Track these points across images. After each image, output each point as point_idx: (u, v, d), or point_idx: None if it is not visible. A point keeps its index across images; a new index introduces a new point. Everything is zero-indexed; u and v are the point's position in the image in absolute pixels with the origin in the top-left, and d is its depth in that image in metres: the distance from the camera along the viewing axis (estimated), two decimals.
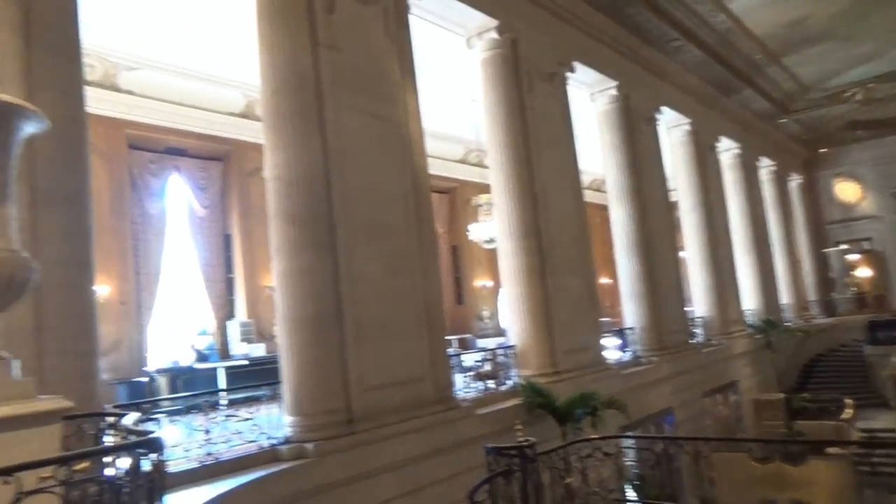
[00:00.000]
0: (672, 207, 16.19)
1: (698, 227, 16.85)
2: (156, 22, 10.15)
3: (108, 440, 3.87)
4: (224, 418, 6.08)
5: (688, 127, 17.07)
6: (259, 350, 12.71)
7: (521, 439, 4.51)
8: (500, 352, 9.97)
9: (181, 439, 5.66)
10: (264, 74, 7.06)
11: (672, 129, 16.94)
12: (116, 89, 11.60)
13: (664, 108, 15.88)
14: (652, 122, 15.30)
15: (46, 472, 2.55)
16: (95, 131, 5.59)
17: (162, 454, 3.06)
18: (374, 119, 7.75)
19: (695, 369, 14.26)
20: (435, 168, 9.30)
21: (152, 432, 3.31)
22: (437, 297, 8.30)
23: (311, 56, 7.12)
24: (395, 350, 7.32)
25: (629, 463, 8.06)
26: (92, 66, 10.38)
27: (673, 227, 16.06)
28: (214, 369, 11.28)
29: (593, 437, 6.20)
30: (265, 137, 7.05)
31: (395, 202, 7.82)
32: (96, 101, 9.48)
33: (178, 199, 13.42)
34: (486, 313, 19.72)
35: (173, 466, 5.12)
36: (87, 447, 3.70)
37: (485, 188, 13.16)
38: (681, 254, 16.46)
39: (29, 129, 3.31)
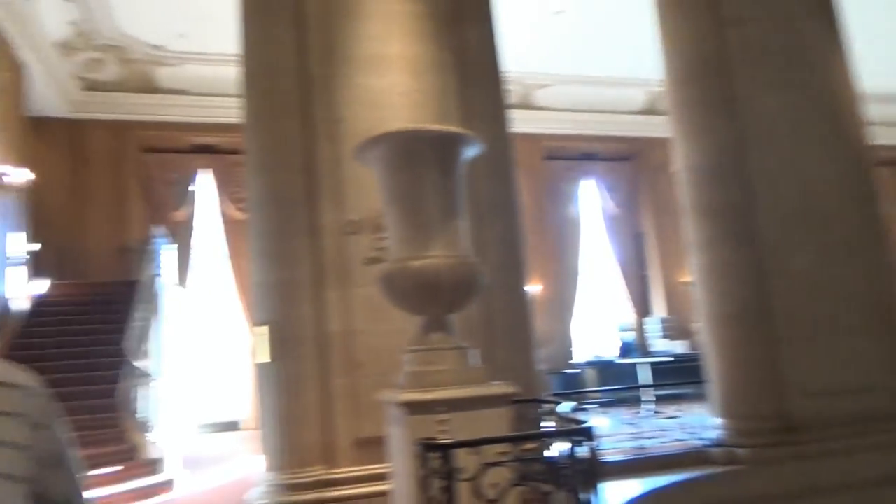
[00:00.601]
0: None
1: None
2: (558, 40, 10.92)
3: (545, 425, 4.24)
4: (651, 414, 6.13)
5: None
6: (680, 347, 12.49)
7: None
8: None
9: (610, 430, 5.90)
10: (668, 64, 6.92)
11: None
12: (532, 107, 12.87)
13: None
14: None
15: (501, 447, 2.93)
16: (517, 148, 6.28)
17: (596, 443, 3.21)
18: (795, 91, 6.84)
19: None
20: (881, 136, 7.77)
21: (585, 421, 3.52)
22: (889, 289, 6.92)
23: (716, 36, 6.68)
24: (839, 352, 6.31)
25: None
26: (512, 90, 11.69)
27: None
28: (635, 364, 11.48)
29: None
30: (673, 129, 6.90)
31: (826, 183, 6.76)
32: (516, 121, 10.65)
33: (589, 201, 14.17)
34: None
35: (604, 456, 5.36)
36: (529, 430, 4.12)
37: None
38: None
39: (469, 152, 3.88)
